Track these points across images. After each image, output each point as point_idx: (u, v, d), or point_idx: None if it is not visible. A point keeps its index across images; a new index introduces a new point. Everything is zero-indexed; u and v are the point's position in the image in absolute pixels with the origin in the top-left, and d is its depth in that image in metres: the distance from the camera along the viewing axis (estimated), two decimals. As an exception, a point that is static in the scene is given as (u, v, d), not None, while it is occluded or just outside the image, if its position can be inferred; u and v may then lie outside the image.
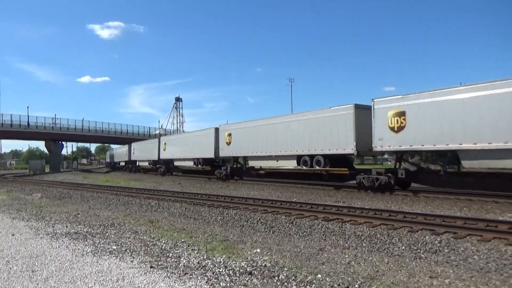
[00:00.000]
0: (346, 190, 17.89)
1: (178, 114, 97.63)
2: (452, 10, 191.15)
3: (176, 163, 36.75)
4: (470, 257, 6.09)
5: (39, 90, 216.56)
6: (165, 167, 38.75)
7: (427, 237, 7.34)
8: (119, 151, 59.78)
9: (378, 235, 7.68)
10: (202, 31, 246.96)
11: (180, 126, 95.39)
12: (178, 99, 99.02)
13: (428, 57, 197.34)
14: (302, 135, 20.11)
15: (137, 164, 48.77)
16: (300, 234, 8.32)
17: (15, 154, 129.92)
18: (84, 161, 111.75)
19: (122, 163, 57.17)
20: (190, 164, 33.03)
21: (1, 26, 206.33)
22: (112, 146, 78.80)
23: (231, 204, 12.67)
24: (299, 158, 20.52)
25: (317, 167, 19.32)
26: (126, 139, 63.44)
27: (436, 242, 6.97)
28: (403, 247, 6.86)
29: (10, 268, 5.59)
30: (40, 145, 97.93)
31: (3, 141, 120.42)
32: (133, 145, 50.52)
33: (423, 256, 6.32)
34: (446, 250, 6.52)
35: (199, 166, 31.36)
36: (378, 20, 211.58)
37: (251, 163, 25.66)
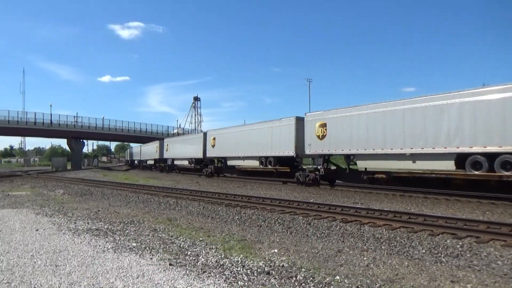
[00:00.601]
0: (365, 191, 17.69)
1: (196, 114, 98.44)
2: (474, 13, 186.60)
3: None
4: (494, 262, 5.94)
5: (61, 89, 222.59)
6: (213, 166, 33.27)
7: (448, 241, 7.20)
8: (145, 149, 57.49)
9: (398, 238, 7.58)
10: (220, 31, 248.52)
11: (198, 125, 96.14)
12: (196, 99, 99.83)
13: (449, 58, 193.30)
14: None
15: (173, 162, 43.10)
16: (318, 235, 8.28)
17: (38, 151, 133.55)
18: (104, 159, 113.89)
19: (150, 162, 54.16)
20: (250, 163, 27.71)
21: (25, 26, 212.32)
22: (131, 144, 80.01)
23: (248, 204, 12.71)
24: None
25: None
26: (145, 138, 64.40)
27: (458, 246, 6.83)
28: (424, 251, 6.74)
29: (35, 263, 5.76)
30: (62, 143, 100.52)
31: (27, 139, 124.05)
32: (167, 140, 46.05)
33: (444, 260, 6.20)
34: (468, 255, 6.38)
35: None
36: (398, 20, 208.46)
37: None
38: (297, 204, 12.20)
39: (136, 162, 63.92)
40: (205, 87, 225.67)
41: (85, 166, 69.55)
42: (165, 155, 43.67)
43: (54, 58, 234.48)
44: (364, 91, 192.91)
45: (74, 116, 65.82)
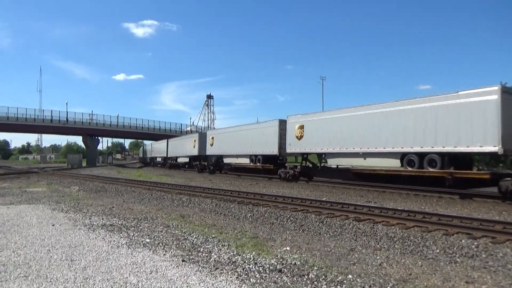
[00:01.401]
0: (378, 190, 17.55)
1: (209, 111, 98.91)
2: (490, 11, 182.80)
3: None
4: (510, 263, 5.82)
5: (76, 87, 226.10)
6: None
7: (463, 240, 7.09)
8: (156, 146, 59.99)
9: (411, 237, 7.49)
10: (233, 29, 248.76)
11: (211, 123, 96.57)
12: (209, 97, 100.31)
13: (465, 56, 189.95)
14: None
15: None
16: (331, 234, 8.24)
17: (54, 148, 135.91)
18: (119, 156, 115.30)
19: (159, 159, 57.20)
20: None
21: (41, 26, 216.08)
22: (145, 142, 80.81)
23: (260, 202, 12.72)
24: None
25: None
26: (159, 136, 64.99)
27: (473, 246, 6.72)
28: (438, 250, 6.65)
29: (51, 257, 5.88)
30: (78, 140, 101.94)
31: (44, 136, 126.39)
32: (211, 133, 40.04)
33: (458, 260, 6.10)
34: (483, 255, 6.27)
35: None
36: (414, 18, 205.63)
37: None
38: (310, 202, 12.16)
39: (159, 159, 57.82)
40: (218, 85, 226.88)
41: (99, 163, 70.55)
42: (209, 151, 35.93)
43: (70, 57, 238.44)
44: (379, 90, 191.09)
45: (89, 114, 66.93)
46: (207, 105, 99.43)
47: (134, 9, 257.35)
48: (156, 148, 58.59)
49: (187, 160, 42.77)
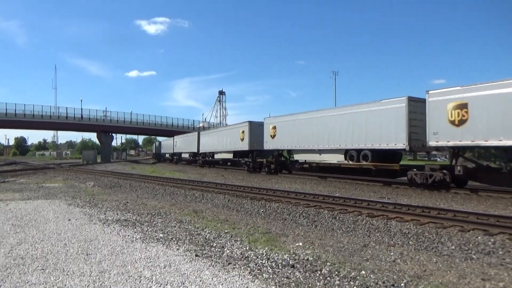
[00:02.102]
0: (392, 186, 17.38)
1: (221, 107, 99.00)
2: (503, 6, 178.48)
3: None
4: (528, 260, 5.72)
5: (91, 84, 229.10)
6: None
7: (479, 237, 6.97)
8: (179, 140, 50.99)
9: (426, 234, 7.40)
10: (244, 25, 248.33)
11: (223, 119, 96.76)
12: (221, 93, 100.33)
13: (479, 49, 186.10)
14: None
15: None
16: (344, 230, 8.20)
17: (70, 145, 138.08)
18: (132, 152, 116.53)
19: (186, 155, 49.03)
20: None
21: (56, 24, 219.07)
22: (158, 138, 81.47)
23: (273, 197, 12.72)
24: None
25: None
26: (172, 132, 65.38)
27: (490, 243, 6.60)
28: (453, 247, 6.56)
29: (67, 251, 5.99)
30: (93, 136, 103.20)
31: (59, 133, 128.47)
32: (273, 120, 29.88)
33: (474, 257, 6.01)
34: (500, 252, 6.16)
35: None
36: (428, 12, 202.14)
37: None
38: (322, 198, 12.11)
39: (185, 155, 49.33)
40: (230, 81, 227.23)
41: (114, 159, 71.34)
42: (271, 145, 27.58)
43: (84, 55, 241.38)
44: (392, 84, 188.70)
45: (103, 111, 67.77)
46: (219, 101, 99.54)
47: (146, 7, 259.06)
48: (180, 143, 49.73)
49: (230, 156, 35.41)
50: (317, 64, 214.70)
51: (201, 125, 77.54)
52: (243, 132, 31.52)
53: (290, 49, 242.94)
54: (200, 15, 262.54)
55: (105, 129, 66.10)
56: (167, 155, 59.50)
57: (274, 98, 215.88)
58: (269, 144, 27.66)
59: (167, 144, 59.13)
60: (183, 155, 50.02)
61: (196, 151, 42.94)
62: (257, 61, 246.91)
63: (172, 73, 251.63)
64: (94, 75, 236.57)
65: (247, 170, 30.75)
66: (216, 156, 39.31)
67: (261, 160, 29.97)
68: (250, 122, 30.61)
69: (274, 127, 26.92)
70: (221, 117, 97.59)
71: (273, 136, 27.19)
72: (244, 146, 30.95)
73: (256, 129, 29.99)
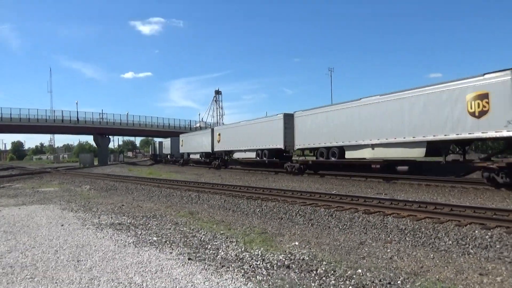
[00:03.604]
0: (389, 182, 17.32)
1: (218, 107, 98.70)
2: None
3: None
4: (526, 253, 5.64)
5: (86, 87, 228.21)
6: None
7: (476, 231, 6.90)
8: (188, 139, 45.35)
9: (423, 229, 7.33)
10: (240, 24, 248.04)
11: (220, 119, 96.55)
12: (217, 92, 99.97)
13: (476, 43, 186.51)
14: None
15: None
16: (340, 227, 8.12)
17: (67, 148, 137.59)
18: (130, 154, 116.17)
19: (196, 156, 42.23)
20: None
21: (50, 27, 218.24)
22: (156, 139, 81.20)
23: (269, 196, 12.63)
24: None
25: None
26: (169, 132, 65.22)
27: (487, 237, 6.53)
28: (450, 242, 6.48)
29: (58, 258, 5.87)
30: (89, 139, 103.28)
31: (56, 136, 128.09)
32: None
33: (472, 251, 5.94)
34: (498, 246, 6.09)
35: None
36: (422, 6, 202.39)
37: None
38: (319, 196, 12.04)
39: (195, 156, 42.37)
40: (226, 80, 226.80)
41: (111, 161, 71.07)
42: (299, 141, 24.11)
43: (78, 57, 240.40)
44: (389, 79, 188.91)
45: (100, 113, 67.44)
46: (215, 100, 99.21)
47: (141, 7, 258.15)
48: (189, 142, 43.81)
49: (253, 155, 29.46)
50: (313, 62, 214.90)
51: (197, 125, 77.36)
52: (278, 125, 25.33)
53: (286, 47, 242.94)
54: (195, 14, 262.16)
55: (102, 131, 65.85)
56: (169, 157, 54.08)
57: (271, 96, 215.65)
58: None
59: (169, 144, 53.80)
60: (191, 156, 44.11)
61: (210, 150, 37.16)
62: (253, 60, 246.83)
63: (168, 74, 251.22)
64: (89, 78, 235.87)
65: (290, 173, 24.37)
66: (237, 156, 33.00)
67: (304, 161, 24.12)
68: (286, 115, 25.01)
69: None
70: (218, 116, 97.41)
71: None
72: (276, 143, 25.58)
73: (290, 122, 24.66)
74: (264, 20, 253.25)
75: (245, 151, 30.59)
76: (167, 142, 55.42)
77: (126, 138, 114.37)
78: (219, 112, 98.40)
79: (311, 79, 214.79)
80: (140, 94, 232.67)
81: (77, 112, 63.80)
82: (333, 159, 20.94)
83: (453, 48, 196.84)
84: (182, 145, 45.66)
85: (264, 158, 27.54)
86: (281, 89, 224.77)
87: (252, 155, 29.24)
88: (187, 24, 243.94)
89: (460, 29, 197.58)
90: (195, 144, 41.92)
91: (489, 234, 6.67)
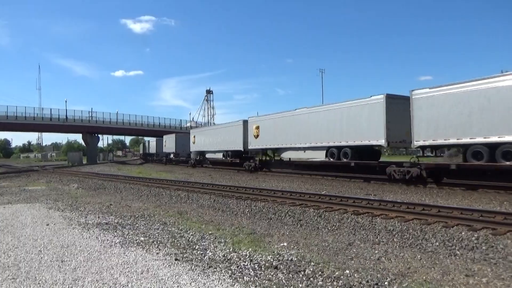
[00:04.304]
0: (378, 183, 17.41)
1: (209, 107, 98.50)
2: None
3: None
4: (510, 255, 5.69)
5: (76, 85, 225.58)
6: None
7: (463, 233, 6.95)
8: (212, 133, 37.02)
9: (411, 230, 7.37)
10: (233, 23, 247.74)
11: (211, 118, 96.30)
12: (209, 92, 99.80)
13: (467, 46, 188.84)
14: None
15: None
16: (329, 228, 8.13)
17: (55, 146, 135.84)
18: (120, 153, 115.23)
19: (215, 155, 35.08)
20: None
21: (40, 23, 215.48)
22: (146, 138, 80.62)
23: (259, 197, 12.59)
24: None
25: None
26: (159, 132, 64.77)
27: (473, 238, 6.59)
28: (437, 243, 6.53)
29: (41, 258, 5.76)
30: (78, 137, 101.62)
31: (44, 134, 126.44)
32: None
33: (458, 253, 5.98)
34: (484, 247, 6.14)
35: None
36: (413, 9, 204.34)
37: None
38: (308, 196, 12.03)
39: (221, 156, 33.80)
40: (218, 79, 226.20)
41: (100, 160, 70.38)
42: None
43: (68, 55, 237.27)
44: (380, 81, 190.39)
45: (89, 111, 66.67)
46: (206, 100, 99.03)
47: (132, 5, 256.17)
48: (205, 138, 37.50)
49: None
50: (305, 62, 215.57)
51: (188, 124, 77.05)
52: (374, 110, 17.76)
53: (279, 48, 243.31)
54: (186, 13, 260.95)
55: (91, 130, 65.15)
56: (171, 156, 48.57)
57: (263, 96, 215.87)
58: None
59: (172, 142, 47.82)
60: (208, 155, 36.72)
61: (241, 148, 29.69)
62: (245, 60, 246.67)
63: (159, 73, 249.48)
64: (79, 76, 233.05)
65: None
66: (292, 156, 25.18)
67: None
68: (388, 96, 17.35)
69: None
70: (209, 116, 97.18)
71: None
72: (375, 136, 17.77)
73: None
74: (257, 19, 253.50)
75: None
76: (160, 140, 54.77)
77: (116, 137, 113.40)
78: (210, 111, 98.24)
79: (303, 79, 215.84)
80: (130, 93, 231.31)
81: (66, 110, 63.00)
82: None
83: (443, 52, 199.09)
84: (194, 142, 39.65)
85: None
86: (273, 89, 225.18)
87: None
88: (179, 23, 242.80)
89: (451, 32, 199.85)
90: (217, 140, 33.91)
91: (475, 235, 6.73)
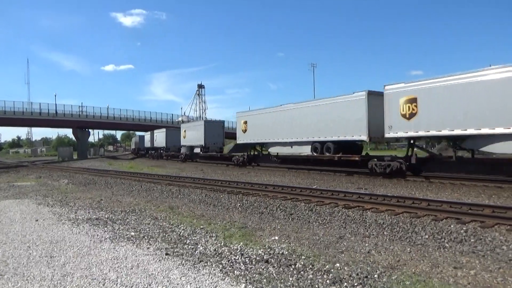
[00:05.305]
0: (369, 177, 17.52)
1: (201, 101, 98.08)
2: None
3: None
4: (498, 247, 5.78)
5: (65, 79, 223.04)
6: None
7: (452, 226, 7.03)
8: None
9: (401, 224, 7.43)
10: (224, 17, 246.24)
11: (202, 113, 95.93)
12: (200, 86, 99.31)
13: (456, 40, 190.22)
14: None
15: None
16: (320, 222, 8.16)
17: (45, 141, 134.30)
18: (111, 148, 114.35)
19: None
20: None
21: (29, 15, 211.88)
22: (137, 133, 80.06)
23: (250, 191, 12.60)
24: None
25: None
26: (150, 126, 64.33)
27: (462, 231, 6.66)
28: (427, 236, 6.59)
29: (30, 254, 5.70)
30: (68, 132, 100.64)
31: (34, 129, 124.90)
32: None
33: (447, 245, 6.05)
34: (472, 240, 6.22)
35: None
36: (404, 4, 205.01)
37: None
38: (300, 191, 12.07)
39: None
40: (210, 74, 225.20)
41: (91, 155, 69.81)
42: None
43: (57, 48, 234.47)
44: (371, 75, 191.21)
45: (79, 106, 65.89)
46: (198, 94, 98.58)
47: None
48: (259, 122, 26.60)
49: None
50: (297, 57, 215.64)
51: (180, 119, 76.66)
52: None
53: (271, 41, 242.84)
54: (177, 6, 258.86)
55: (81, 125, 64.46)
56: (161, 151, 47.09)
57: (254, 91, 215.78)
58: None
59: (162, 136, 45.96)
60: (273, 149, 25.94)
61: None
62: (237, 54, 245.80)
63: (150, 67, 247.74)
64: (69, 70, 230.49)
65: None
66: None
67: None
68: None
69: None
70: (201, 110, 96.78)
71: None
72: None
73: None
74: (248, 13, 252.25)
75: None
76: (152, 135, 52.91)
77: (107, 131, 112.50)
78: (202, 106, 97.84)
79: (295, 73, 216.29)
80: (121, 87, 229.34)
81: (56, 104, 62.13)
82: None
83: (433, 47, 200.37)
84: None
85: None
86: (265, 84, 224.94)
87: None
88: (170, 16, 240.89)
89: (441, 28, 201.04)
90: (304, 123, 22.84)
91: (464, 228, 6.81)
